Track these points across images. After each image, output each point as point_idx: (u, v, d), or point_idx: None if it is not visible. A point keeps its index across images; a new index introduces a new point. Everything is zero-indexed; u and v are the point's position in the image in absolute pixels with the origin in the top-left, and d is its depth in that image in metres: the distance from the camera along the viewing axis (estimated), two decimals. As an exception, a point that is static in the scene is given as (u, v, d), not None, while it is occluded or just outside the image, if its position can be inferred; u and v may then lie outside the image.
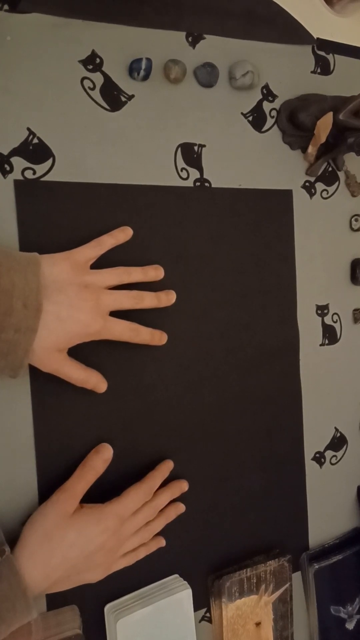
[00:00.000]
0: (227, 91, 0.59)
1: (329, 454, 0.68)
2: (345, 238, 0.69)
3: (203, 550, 0.59)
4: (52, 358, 0.45)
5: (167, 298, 0.53)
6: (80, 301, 0.45)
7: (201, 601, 0.59)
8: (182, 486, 0.55)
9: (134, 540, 0.50)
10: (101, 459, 0.50)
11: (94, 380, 0.49)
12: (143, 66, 0.52)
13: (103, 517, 0.47)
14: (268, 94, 0.61)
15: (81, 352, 0.49)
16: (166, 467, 0.54)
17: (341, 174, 0.68)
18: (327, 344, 0.68)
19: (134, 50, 0.53)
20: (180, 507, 0.55)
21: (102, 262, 0.50)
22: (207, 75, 0.56)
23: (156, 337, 0.52)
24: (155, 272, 0.52)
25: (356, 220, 0.69)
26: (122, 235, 0.51)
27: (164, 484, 0.54)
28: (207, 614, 0.60)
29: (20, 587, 0.41)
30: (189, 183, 0.57)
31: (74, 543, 0.45)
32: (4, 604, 0.41)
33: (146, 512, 0.51)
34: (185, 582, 0.56)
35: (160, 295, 0.52)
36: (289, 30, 0.62)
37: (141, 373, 0.54)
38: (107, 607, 0.52)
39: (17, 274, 0.42)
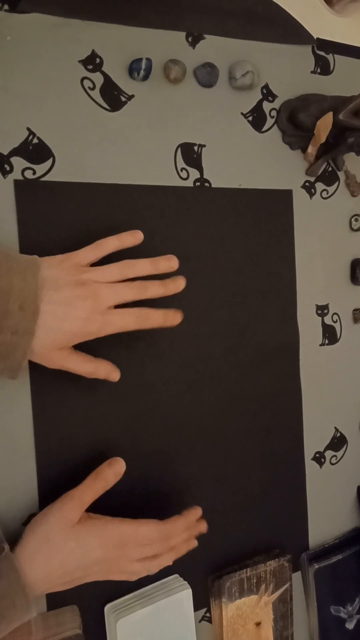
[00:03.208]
0: (227, 91, 0.59)
1: (329, 454, 0.68)
2: (345, 238, 0.69)
3: (203, 550, 0.59)
4: (55, 356, 0.45)
5: (175, 285, 0.49)
6: (77, 299, 0.43)
7: (201, 601, 0.59)
8: (201, 528, 0.53)
9: (137, 566, 0.48)
10: (113, 472, 0.49)
11: (104, 370, 0.48)
12: (143, 66, 0.52)
13: (105, 533, 0.46)
14: (268, 94, 0.61)
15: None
16: (194, 515, 0.52)
17: (341, 174, 0.68)
18: (327, 344, 0.68)
19: (134, 50, 0.53)
20: (193, 543, 0.52)
21: (102, 262, 0.50)
22: (207, 75, 0.56)
23: (170, 317, 0.48)
24: (167, 263, 0.48)
25: (356, 220, 0.69)
26: (131, 238, 0.48)
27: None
28: (207, 614, 0.60)
29: (19, 584, 0.41)
30: (189, 183, 0.57)
31: (73, 552, 0.44)
32: (3, 601, 0.41)
33: (157, 548, 0.48)
34: (185, 582, 0.56)
35: (167, 281, 0.48)
36: (289, 30, 0.62)
37: (141, 373, 0.54)
38: (107, 607, 0.52)
39: (16, 275, 0.41)
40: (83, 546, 0.45)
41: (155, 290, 0.47)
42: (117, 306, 0.46)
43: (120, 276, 0.46)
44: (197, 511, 0.52)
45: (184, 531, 0.50)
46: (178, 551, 0.51)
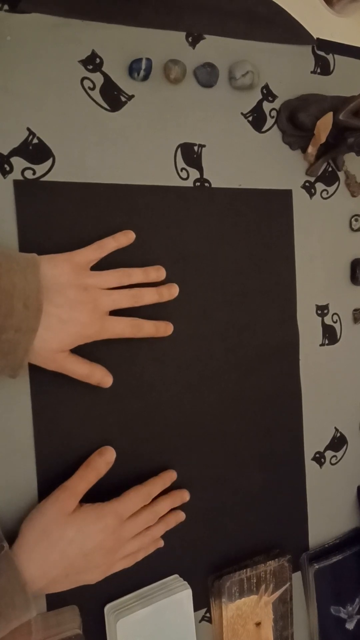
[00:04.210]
0: (227, 91, 0.59)
1: (329, 454, 0.68)
2: (345, 238, 0.69)
3: (203, 550, 0.59)
4: (56, 358, 0.45)
5: (170, 292, 0.53)
6: (79, 303, 0.45)
7: (201, 601, 0.59)
8: (184, 496, 0.55)
9: (134, 543, 0.50)
10: (104, 461, 0.50)
11: (99, 375, 0.49)
12: (143, 66, 0.52)
13: (102, 515, 0.47)
14: (268, 94, 0.61)
15: (81, 354, 0.48)
16: (168, 476, 0.54)
17: (341, 174, 0.68)
18: (327, 344, 0.68)
19: (134, 50, 0.53)
20: (181, 516, 0.55)
21: (102, 261, 0.50)
22: (207, 75, 0.56)
23: (161, 329, 0.52)
24: (156, 273, 0.52)
25: (356, 220, 0.69)
26: (125, 238, 0.51)
27: (166, 492, 0.54)
28: (207, 614, 0.60)
29: (19, 582, 0.41)
30: (189, 183, 0.57)
31: (73, 540, 0.45)
32: (2, 599, 0.41)
33: (147, 517, 0.51)
34: (185, 582, 0.56)
35: (162, 289, 0.52)
36: (289, 30, 0.62)
37: (141, 373, 0.54)
38: (107, 607, 0.52)
39: (17, 274, 0.42)
40: (82, 531, 0.46)
41: (150, 297, 0.51)
42: (113, 312, 0.49)
43: (117, 283, 0.49)
44: (172, 474, 0.55)
45: (166, 500, 0.53)
46: (167, 523, 0.54)
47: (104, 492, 0.50)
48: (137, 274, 0.50)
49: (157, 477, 0.53)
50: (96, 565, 0.47)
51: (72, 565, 0.45)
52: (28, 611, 0.42)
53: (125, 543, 0.49)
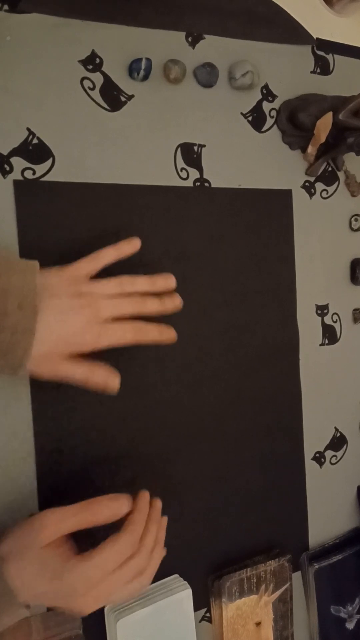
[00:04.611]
0: (227, 91, 0.59)
1: (329, 453, 0.68)
2: (345, 238, 0.69)
3: (203, 550, 0.59)
4: (49, 362, 0.44)
5: (174, 303, 0.49)
6: (75, 308, 0.44)
7: (201, 601, 0.59)
8: (157, 507, 0.48)
9: (129, 587, 0.43)
10: (110, 508, 0.43)
11: (101, 374, 0.46)
12: (143, 66, 0.52)
13: (65, 576, 0.40)
14: (268, 94, 0.61)
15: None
16: (145, 503, 0.46)
17: (341, 174, 0.68)
18: (327, 344, 0.68)
19: (134, 50, 0.53)
20: (158, 504, 0.48)
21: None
22: (207, 75, 0.56)
23: (165, 333, 0.49)
24: (165, 282, 0.49)
25: (356, 220, 0.69)
26: (128, 247, 0.49)
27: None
28: (207, 614, 0.60)
29: (1, 573, 0.38)
30: (189, 183, 0.57)
31: (36, 578, 0.40)
32: None
33: (138, 563, 0.43)
34: (185, 582, 0.56)
35: (165, 299, 0.49)
36: (289, 30, 0.62)
37: (141, 373, 0.54)
38: (107, 607, 0.52)
39: (15, 276, 0.41)
40: (42, 576, 0.40)
41: (153, 306, 0.48)
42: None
43: (119, 291, 0.47)
44: (145, 496, 0.47)
45: (151, 532, 0.45)
46: (159, 540, 0.47)
47: (102, 493, 0.50)
48: (142, 282, 0.47)
49: (134, 513, 0.45)
50: (80, 595, 0.41)
51: (46, 592, 0.40)
52: (14, 603, 0.39)
53: (113, 588, 0.42)
